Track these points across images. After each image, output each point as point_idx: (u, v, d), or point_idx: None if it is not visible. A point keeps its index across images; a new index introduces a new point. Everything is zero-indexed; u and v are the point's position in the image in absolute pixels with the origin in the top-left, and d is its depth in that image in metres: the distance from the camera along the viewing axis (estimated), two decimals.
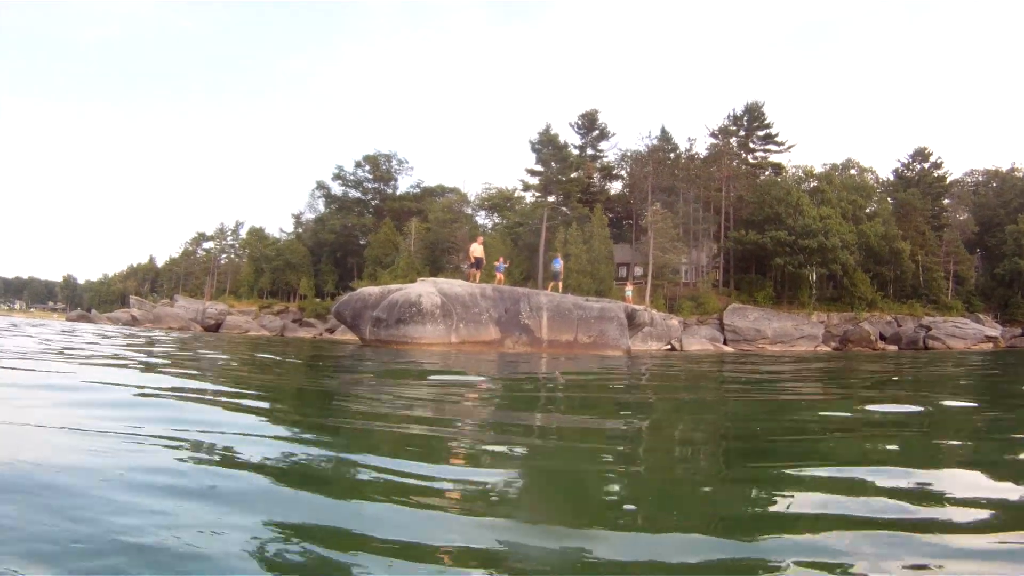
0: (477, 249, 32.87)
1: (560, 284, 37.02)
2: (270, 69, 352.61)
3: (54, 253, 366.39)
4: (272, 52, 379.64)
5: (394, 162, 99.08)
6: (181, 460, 3.77)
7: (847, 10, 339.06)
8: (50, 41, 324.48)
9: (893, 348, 60.10)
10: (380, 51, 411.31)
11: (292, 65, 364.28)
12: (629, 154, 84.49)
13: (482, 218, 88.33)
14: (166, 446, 4.08)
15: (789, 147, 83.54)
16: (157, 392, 7.14)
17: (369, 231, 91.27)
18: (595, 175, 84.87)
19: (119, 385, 7.47)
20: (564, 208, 76.40)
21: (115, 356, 12.93)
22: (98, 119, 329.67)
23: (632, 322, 33.23)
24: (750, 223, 71.77)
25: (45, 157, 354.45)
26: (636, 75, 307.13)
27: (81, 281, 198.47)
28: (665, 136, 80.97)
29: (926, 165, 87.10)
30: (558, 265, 38.42)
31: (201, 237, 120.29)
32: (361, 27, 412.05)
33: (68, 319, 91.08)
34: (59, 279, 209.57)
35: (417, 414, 6.83)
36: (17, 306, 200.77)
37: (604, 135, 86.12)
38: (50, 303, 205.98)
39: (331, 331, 67.57)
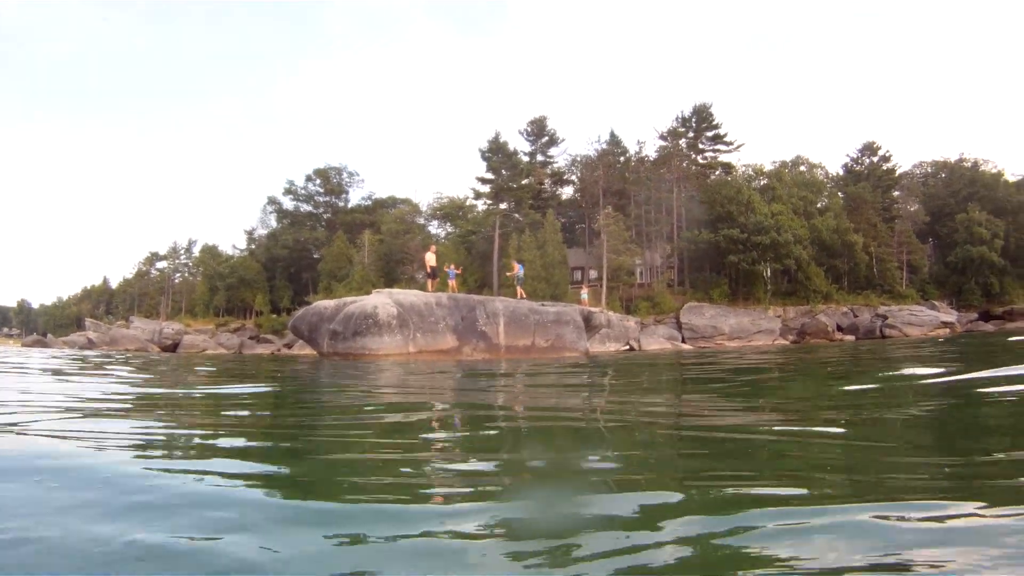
0: (431, 258, 33.01)
1: (521, 290, 36.95)
2: (223, 84, 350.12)
3: (7, 278, 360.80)
4: (225, 67, 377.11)
5: (344, 175, 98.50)
6: None
7: (792, 10, 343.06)
8: None
9: (851, 338, 60.43)
10: (333, 64, 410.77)
11: (245, 80, 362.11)
12: (579, 159, 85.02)
13: (435, 227, 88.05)
14: None
15: (738, 147, 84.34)
16: None
17: (322, 245, 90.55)
18: (546, 181, 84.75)
19: None
20: (516, 215, 76.26)
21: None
22: (45, 139, 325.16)
23: (589, 324, 33.31)
24: (702, 222, 72.16)
25: None
26: (584, 81, 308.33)
27: (35, 305, 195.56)
28: (614, 140, 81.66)
29: (875, 159, 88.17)
30: (522, 271, 38.48)
31: (154, 256, 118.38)
32: (316, 41, 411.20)
33: (24, 345, 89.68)
34: (13, 304, 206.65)
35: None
36: None
37: (554, 141, 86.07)
38: (4, 329, 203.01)
39: (289, 346, 66.93)
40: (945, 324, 63.89)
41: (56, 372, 10.92)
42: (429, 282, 32.58)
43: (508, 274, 38.24)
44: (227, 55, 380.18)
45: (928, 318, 63.81)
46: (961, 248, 75.99)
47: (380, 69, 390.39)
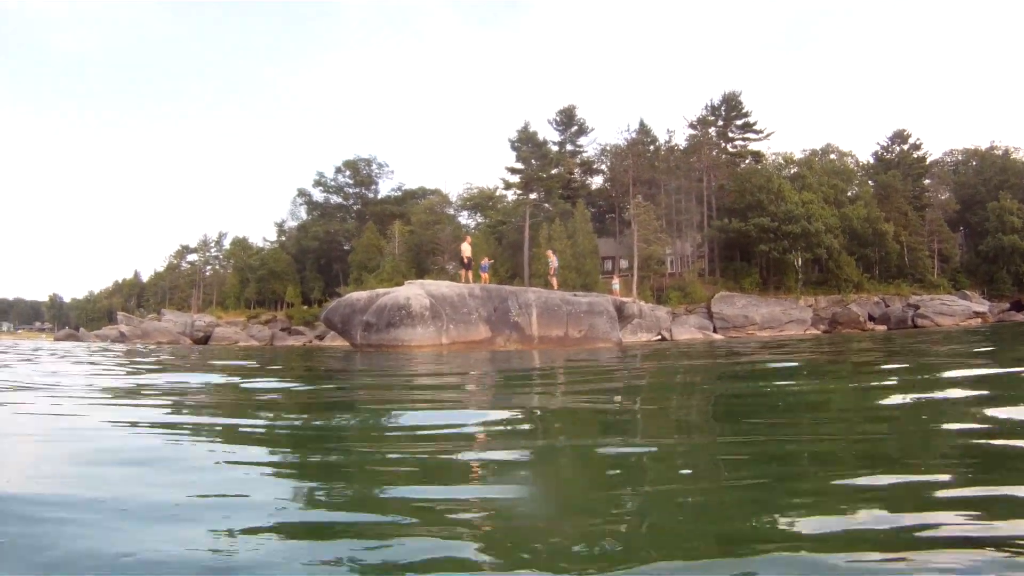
0: (466, 249, 32.77)
1: (555, 281, 36.98)
2: (249, 77, 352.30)
3: (39, 272, 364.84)
4: (251, 60, 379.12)
5: (374, 166, 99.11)
6: None
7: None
8: (24, 50, 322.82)
9: (882, 328, 60.19)
10: (358, 56, 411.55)
11: (271, 73, 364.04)
12: (609, 148, 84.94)
13: (464, 218, 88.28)
14: None
15: (768, 135, 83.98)
16: None
17: (352, 236, 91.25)
18: (576, 170, 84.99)
19: None
20: (546, 204, 76.53)
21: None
22: (77, 134, 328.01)
23: (621, 314, 33.38)
24: (733, 211, 71.94)
25: (24, 174, 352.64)
26: (613, 69, 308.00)
27: (67, 299, 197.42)
28: (644, 129, 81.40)
29: (905, 147, 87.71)
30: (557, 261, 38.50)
31: (185, 249, 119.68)
32: (339, 33, 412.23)
33: (56, 339, 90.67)
34: (45, 299, 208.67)
35: None
36: (4, 328, 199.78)
37: (583, 130, 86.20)
38: (37, 323, 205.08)
39: (320, 338, 67.45)
40: (977, 314, 63.57)
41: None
42: (464, 273, 32.47)
43: (551, 273, 37.89)
44: (255, 47, 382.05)
45: (960, 308, 63.60)
46: (992, 237, 75.50)
47: (407, 61, 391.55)
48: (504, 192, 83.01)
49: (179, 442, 4.68)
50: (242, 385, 10.03)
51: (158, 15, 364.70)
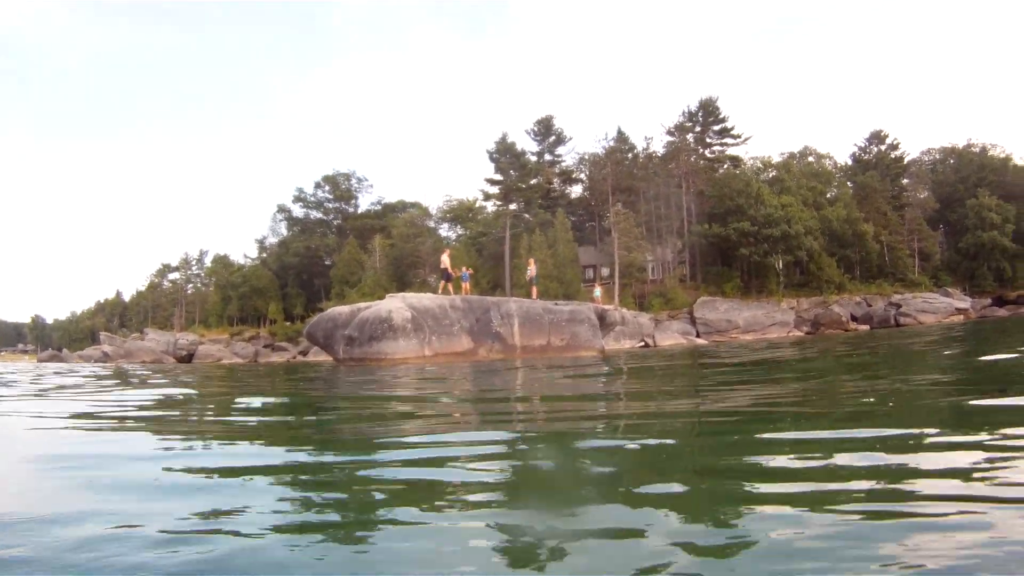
0: (445, 260, 32.72)
1: (535, 290, 36.86)
2: (227, 95, 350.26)
3: (20, 294, 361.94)
4: (229, 78, 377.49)
5: (354, 180, 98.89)
6: None
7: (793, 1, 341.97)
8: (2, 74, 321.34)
9: (865, 328, 60.46)
10: (338, 71, 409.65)
11: (249, 89, 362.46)
12: (587, 157, 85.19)
13: (445, 230, 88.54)
14: None
15: (745, 139, 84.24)
16: None
17: (333, 251, 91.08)
18: (555, 180, 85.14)
19: None
20: (526, 215, 76.61)
21: None
22: (52, 154, 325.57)
23: (603, 322, 33.39)
24: (712, 216, 72.23)
25: (2, 196, 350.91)
26: (589, 79, 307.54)
27: (50, 321, 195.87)
28: (622, 137, 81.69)
29: (883, 147, 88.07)
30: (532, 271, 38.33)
31: (166, 268, 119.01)
32: (320, 48, 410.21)
33: (40, 360, 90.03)
34: (27, 320, 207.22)
35: None
36: None
37: (561, 140, 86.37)
38: (19, 345, 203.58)
39: (304, 353, 67.14)
40: (959, 310, 63.97)
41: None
42: (444, 284, 32.36)
43: (527, 277, 37.89)
44: (232, 62, 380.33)
45: (942, 305, 63.96)
46: (972, 234, 75.93)
47: (385, 74, 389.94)
48: (484, 203, 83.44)
49: None
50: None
51: (135, 33, 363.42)
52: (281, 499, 3.59)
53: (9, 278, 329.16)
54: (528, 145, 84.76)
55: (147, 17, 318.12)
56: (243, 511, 3.34)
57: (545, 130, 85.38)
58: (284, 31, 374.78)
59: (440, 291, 31.76)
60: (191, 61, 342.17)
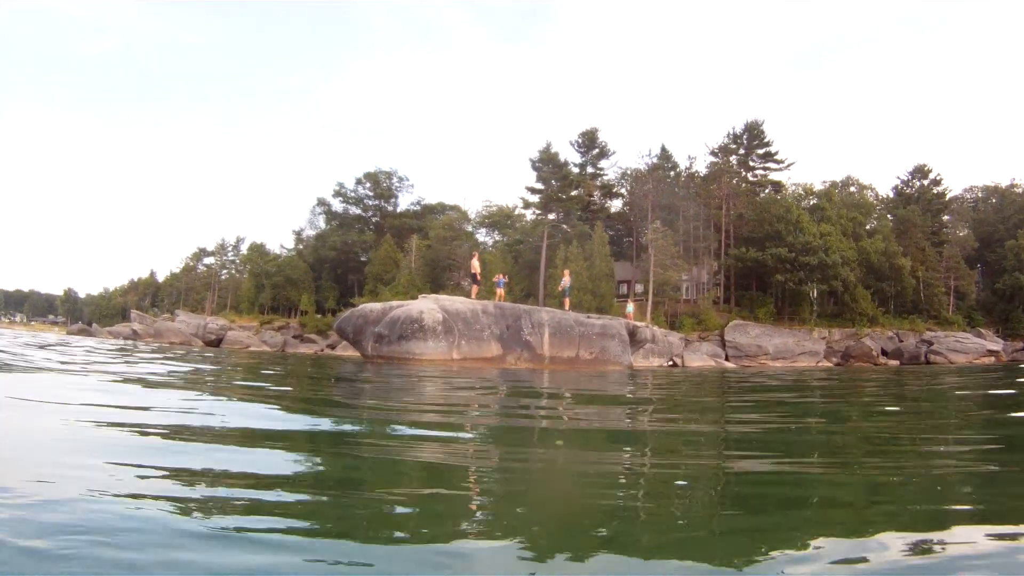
0: (476, 265, 33.09)
1: (567, 301, 36.92)
2: (272, 85, 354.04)
3: (55, 266, 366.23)
4: (274, 68, 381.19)
5: (395, 179, 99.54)
6: None
7: (846, 29, 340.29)
8: (50, 53, 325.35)
9: (895, 363, 60.12)
10: (381, 68, 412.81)
11: (294, 81, 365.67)
12: (629, 172, 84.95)
13: (482, 235, 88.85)
14: None
15: (788, 165, 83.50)
16: None
17: (370, 248, 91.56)
18: (595, 193, 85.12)
19: None
20: (564, 225, 76.66)
21: None
22: (100, 133, 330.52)
23: (634, 339, 33.40)
24: (750, 240, 72.03)
25: (46, 170, 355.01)
26: (636, 93, 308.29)
27: (82, 295, 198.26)
28: (665, 154, 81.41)
29: (925, 182, 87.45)
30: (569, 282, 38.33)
31: (202, 252, 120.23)
32: (363, 44, 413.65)
33: (69, 332, 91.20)
34: (60, 292, 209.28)
35: None
36: (18, 319, 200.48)
37: (604, 153, 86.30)
38: (50, 316, 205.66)
39: (332, 347, 67.55)
40: (991, 352, 63.25)
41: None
42: (474, 288, 32.70)
43: (560, 287, 37.93)
44: (279, 55, 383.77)
45: (974, 346, 63.31)
46: (1010, 275, 75.30)
47: (432, 74, 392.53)
48: (523, 211, 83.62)
49: None
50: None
51: (185, 20, 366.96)
52: None
53: (45, 250, 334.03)
54: (571, 156, 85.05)
55: (192, 6, 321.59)
56: None
57: (589, 142, 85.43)
58: (333, 24, 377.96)
59: (472, 295, 31.92)
60: (240, 52, 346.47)
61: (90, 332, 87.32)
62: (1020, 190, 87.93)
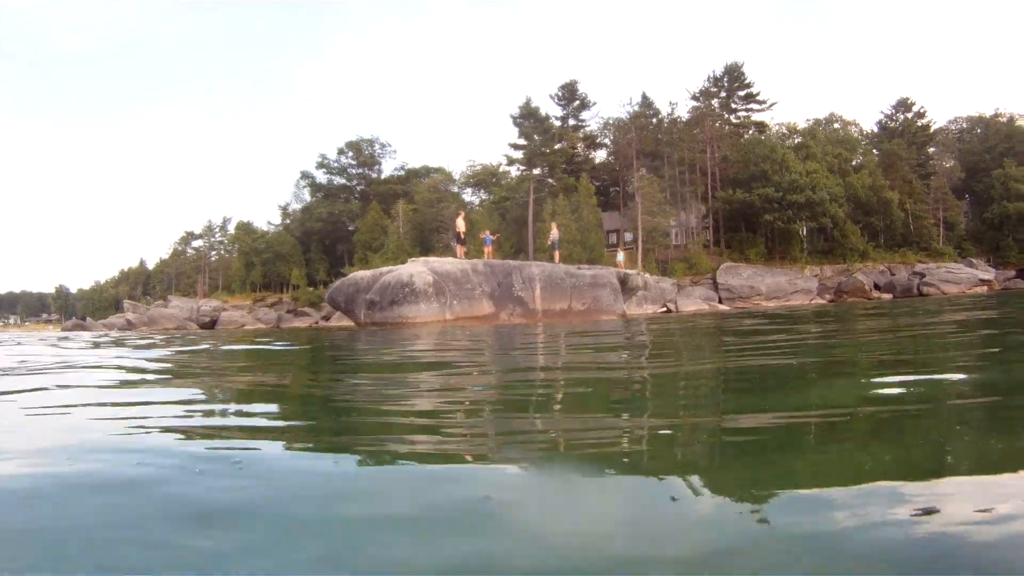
0: (460, 224, 32.80)
1: (557, 254, 36.71)
2: (250, 66, 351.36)
3: (44, 265, 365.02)
4: (252, 49, 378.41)
5: (377, 146, 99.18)
6: None
7: None
8: (28, 50, 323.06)
9: (888, 297, 60.28)
10: (360, 37, 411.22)
11: (274, 60, 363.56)
12: (611, 122, 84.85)
13: (468, 195, 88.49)
14: None
15: (771, 105, 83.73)
16: None
17: (356, 217, 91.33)
18: (579, 145, 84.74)
19: None
20: (550, 180, 76.44)
21: None
22: (75, 127, 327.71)
23: (625, 287, 33.29)
24: (737, 182, 71.77)
25: (27, 170, 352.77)
26: (614, 43, 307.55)
27: (73, 290, 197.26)
28: (646, 102, 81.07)
29: (909, 115, 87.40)
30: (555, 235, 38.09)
31: (190, 236, 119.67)
32: (341, 15, 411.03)
33: (64, 329, 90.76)
34: (51, 290, 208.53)
35: None
36: (12, 321, 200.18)
37: (585, 105, 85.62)
38: (44, 315, 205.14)
39: (327, 318, 67.34)
40: (983, 281, 63.50)
41: None
42: (459, 248, 32.45)
43: (548, 241, 37.73)
44: (255, 32, 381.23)
45: (966, 276, 63.51)
46: (998, 204, 75.53)
47: (409, 39, 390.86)
48: (507, 168, 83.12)
49: None
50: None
51: (161, 10, 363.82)
52: None
53: (34, 250, 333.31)
54: (552, 110, 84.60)
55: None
56: None
57: (569, 95, 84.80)
58: (300, 6, 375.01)
59: (458, 254, 31.71)
60: (213, 31, 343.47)
61: (84, 327, 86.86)
62: (1004, 119, 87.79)
